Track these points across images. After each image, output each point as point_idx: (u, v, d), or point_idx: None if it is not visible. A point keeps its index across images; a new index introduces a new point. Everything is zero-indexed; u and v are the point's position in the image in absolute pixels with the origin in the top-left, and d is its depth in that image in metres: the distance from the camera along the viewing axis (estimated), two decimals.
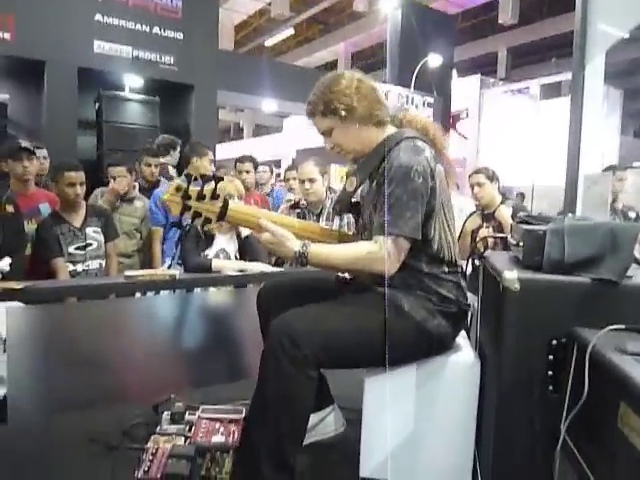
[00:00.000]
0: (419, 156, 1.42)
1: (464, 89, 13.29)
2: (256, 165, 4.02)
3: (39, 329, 2.18)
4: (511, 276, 1.22)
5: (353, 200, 1.67)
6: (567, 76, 11.52)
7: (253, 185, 4.03)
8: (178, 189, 1.54)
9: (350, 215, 1.82)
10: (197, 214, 1.56)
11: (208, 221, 1.57)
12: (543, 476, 1.15)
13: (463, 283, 1.55)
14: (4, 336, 2.08)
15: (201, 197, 1.54)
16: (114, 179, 3.25)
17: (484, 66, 17.68)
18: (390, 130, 1.57)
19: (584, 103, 2.59)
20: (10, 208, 2.59)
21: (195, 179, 1.55)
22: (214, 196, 1.55)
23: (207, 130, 6.02)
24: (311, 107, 1.56)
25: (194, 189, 1.54)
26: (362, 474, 1.55)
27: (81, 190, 2.80)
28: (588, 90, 2.59)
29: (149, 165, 3.75)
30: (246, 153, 4.16)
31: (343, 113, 1.49)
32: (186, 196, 1.53)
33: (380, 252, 1.39)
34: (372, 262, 1.41)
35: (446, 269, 1.50)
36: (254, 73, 8.01)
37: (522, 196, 9.89)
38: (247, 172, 3.89)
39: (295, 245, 1.43)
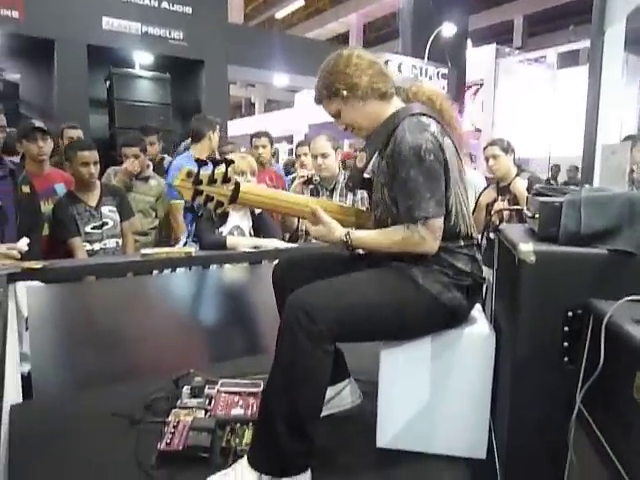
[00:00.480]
0: (425, 133, 1.42)
1: (479, 59, 13.00)
2: (271, 140, 4.00)
3: (59, 307, 2.23)
4: (526, 248, 1.21)
5: (365, 176, 1.67)
6: (585, 44, 11.21)
7: (269, 161, 4.01)
8: (189, 174, 1.55)
9: (364, 191, 1.82)
10: (209, 198, 1.56)
11: (220, 204, 1.58)
12: (558, 446, 1.16)
13: (479, 257, 1.55)
14: (26, 314, 2.13)
15: (212, 181, 1.54)
16: (128, 159, 3.26)
17: (500, 35, 17.26)
18: (397, 104, 1.57)
19: (603, 71, 2.52)
20: (26, 189, 2.61)
21: (205, 163, 1.55)
22: (225, 179, 1.55)
23: (218, 106, 5.99)
24: (317, 93, 1.60)
25: (205, 173, 1.55)
26: (379, 444, 1.58)
27: (95, 169, 2.81)
28: (607, 58, 2.52)
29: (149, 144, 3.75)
30: (258, 129, 4.13)
31: (345, 93, 1.51)
32: (197, 181, 1.54)
33: (413, 238, 1.42)
34: (409, 247, 1.43)
35: (462, 243, 1.50)
36: (265, 47, 7.93)
37: (557, 168, 9.67)
38: (263, 147, 3.87)
39: (341, 233, 1.51)
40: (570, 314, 1.19)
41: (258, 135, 3.91)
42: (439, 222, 1.42)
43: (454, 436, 1.56)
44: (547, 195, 1.41)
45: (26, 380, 2.05)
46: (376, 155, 1.58)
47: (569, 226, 1.25)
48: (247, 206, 2.50)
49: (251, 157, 2.81)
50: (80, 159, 2.76)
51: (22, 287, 2.09)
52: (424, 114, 1.48)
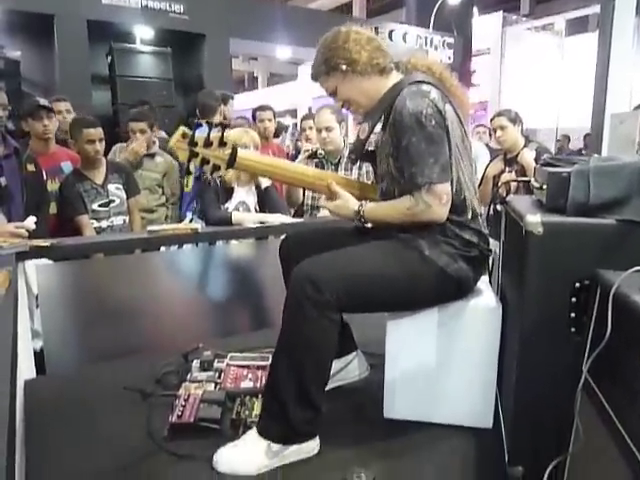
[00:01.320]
0: (425, 99, 1.41)
1: (486, 27, 12.70)
2: (274, 114, 3.97)
3: (69, 285, 2.25)
4: (534, 220, 1.20)
5: (370, 149, 1.66)
6: (595, 9, 10.90)
7: (272, 134, 3.99)
8: (184, 135, 1.54)
9: (369, 164, 1.81)
10: (205, 161, 1.56)
11: (217, 168, 1.58)
12: (564, 415, 1.17)
13: (485, 231, 1.54)
14: (36, 292, 2.16)
15: (208, 144, 1.54)
16: (135, 134, 3.24)
17: (507, 2, 16.81)
18: (396, 77, 1.56)
19: (613, 38, 2.47)
20: (31, 167, 2.61)
21: (200, 125, 1.55)
22: (222, 143, 1.55)
23: (221, 80, 5.92)
24: (314, 70, 1.59)
25: (201, 136, 1.54)
26: (386, 415, 1.60)
27: (100, 146, 2.81)
28: (618, 24, 2.46)
29: None
30: (262, 103, 4.10)
31: (344, 67, 1.51)
32: (193, 142, 1.53)
33: (418, 206, 1.41)
34: (417, 216, 1.43)
35: (469, 215, 1.49)
36: (267, 19, 7.78)
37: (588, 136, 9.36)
38: (269, 120, 3.84)
39: (355, 205, 1.54)
40: (577, 285, 1.19)
41: (262, 108, 3.88)
42: (445, 187, 1.41)
43: (461, 406, 1.57)
44: (555, 165, 1.39)
45: (39, 356, 2.09)
46: (379, 126, 1.57)
47: (577, 197, 1.23)
48: (248, 174, 2.49)
49: (254, 132, 2.80)
50: (85, 137, 2.75)
51: (31, 265, 2.11)
52: (424, 82, 1.47)
